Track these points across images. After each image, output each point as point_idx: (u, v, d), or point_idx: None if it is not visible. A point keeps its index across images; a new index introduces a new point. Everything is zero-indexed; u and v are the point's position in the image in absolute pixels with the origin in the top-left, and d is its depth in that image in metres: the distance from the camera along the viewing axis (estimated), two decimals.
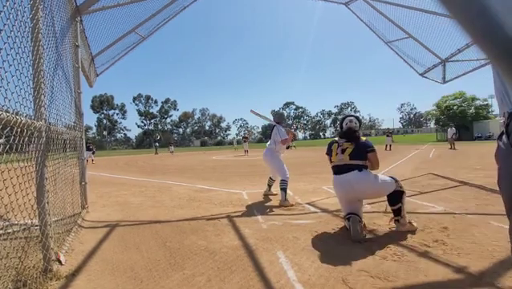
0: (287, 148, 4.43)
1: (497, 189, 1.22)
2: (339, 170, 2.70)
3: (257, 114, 4.41)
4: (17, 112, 1.60)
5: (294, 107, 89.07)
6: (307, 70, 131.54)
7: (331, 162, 2.81)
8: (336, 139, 2.90)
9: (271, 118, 4.51)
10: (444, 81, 6.16)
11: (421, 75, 6.53)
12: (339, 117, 3.19)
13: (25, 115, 1.77)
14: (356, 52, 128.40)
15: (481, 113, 30.91)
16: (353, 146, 2.69)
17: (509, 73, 0.22)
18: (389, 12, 5.46)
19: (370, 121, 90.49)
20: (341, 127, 2.93)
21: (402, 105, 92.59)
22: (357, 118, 2.93)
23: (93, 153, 16.50)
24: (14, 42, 1.56)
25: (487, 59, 0.23)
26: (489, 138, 26.69)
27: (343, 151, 2.71)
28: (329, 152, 2.85)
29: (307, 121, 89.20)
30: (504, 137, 1.15)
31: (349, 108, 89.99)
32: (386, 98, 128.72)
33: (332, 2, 5.95)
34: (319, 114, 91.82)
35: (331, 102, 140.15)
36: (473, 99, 31.72)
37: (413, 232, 2.58)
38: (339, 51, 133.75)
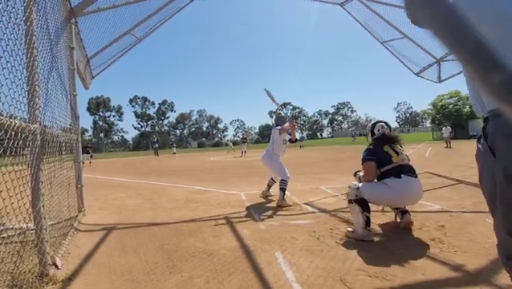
0: (295, 141, 4.44)
1: None
2: (407, 170, 2.51)
3: (269, 95, 4.41)
4: (11, 115, 1.58)
5: (291, 107, 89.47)
6: (304, 70, 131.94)
7: (390, 164, 2.52)
8: (372, 144, 2.72)
9: (279, 105, 4.55)
10: (440, 80, 6.22)
11: (417, 74, 6.58)
12: (369, 125, 3.01)
13: (19, 118, 1.75)
14: (352, 52, 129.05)
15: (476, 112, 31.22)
16: (402, 149, 2.62)
17: (478, 76, 0.22)
18: (384, 12, 5.50)
19: (367, 121, 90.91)
20: (372, 133, 2.81)
21: (398, 104, 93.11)
22: (386, 123, 2.84)
23: (91, 156, 16.35)
24: (7, 45, 1.55)
25: (457, 61, 0.23)
26: None
27: (401, 151, 2.60)
28: (381, 156, 2.56)
29: (304, 121, 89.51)
30: (482, 140, 1.21)
31: (346, 108, 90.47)
32: (382, 97, 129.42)
33: (328, 2, 5.97)
34: (316, 114, 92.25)
35: (328, 102, 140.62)
36: (468, 97, 31.99)
37: (410, 230, 2.61)
38: (336, 51, 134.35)
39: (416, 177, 2.53)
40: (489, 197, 1.21)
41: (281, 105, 4.53)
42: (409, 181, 2.46)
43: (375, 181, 2.59)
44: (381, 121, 2.86)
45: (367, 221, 2.43)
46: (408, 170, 2.52)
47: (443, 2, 0.21)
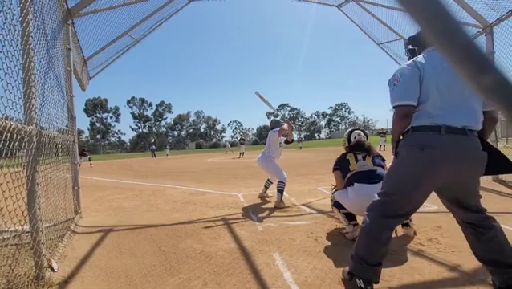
0: (291, 142, 4.41)
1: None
2: (365, 177, 2.46)
3: (261, 97, 4.30)
4: (6, 117, 1.57)
5: (288, 108, 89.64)
6: (302, 71, 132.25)
7: (348, 172, 2.58)
8: (343, 153, 2.80)
9: (273, 107, 4.47)
10: None
11: None
12: (346, 132, 3.10)
13: (15, 119, 1.73)
14: (350, 53, 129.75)
15: None
16: (371, 157, 2.63)
17: (469, 77, 0.22)
18: (380, 14, 5.54)
19: (364, 122, 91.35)
20: (349, 141, 2.85)
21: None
22: (363, 131, 2.88)
23: (89, 159, 16.52)
24: (2, 46, 1.53)
25: (449, 62, 0.24)
26: None
27: (363, 158, 2.61)
28: (343, 164, 2.66)
29: (302, 122, 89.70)
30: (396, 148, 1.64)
31: (343, 109, 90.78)
32: (379, 99, 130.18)
33: (325, 4, 6.01)
34: (314, 115, 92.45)
35: (326, 103, 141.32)
36: None
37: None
38: (334, 52, 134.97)
39: (377, 182, 2.38)
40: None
41: (276, 109, 4.51)
42: (362, 188, 2.40)
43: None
44: (358, 129, 2.92)
45: (348, 217, 2.56)
46: (365, 177, 2.46)
47: (432, 1, 0.22)
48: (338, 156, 2.82)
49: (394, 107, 1.57)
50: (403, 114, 1.54)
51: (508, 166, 1.53)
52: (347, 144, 2.87)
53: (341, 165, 2.70)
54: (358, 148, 2.70)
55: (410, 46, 1.80)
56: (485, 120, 1.53)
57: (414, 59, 1.58)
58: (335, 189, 2.83)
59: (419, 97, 1.51)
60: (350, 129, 2.96)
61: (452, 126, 1.44)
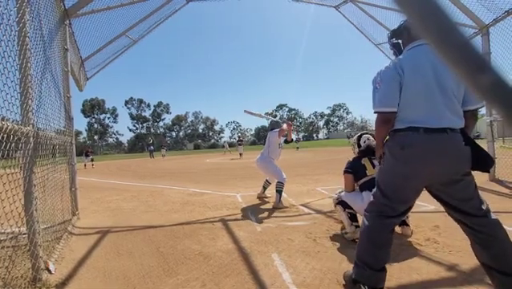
0: (290, 141, 4.44)
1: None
2: None
3: (251, 113, 4.44)
4: (3, 118, 1.56)
5: (287, 109, 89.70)
6: (300, 71, 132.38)
7: (364, 177, 2.58)
8: (356, 156, 2.78)
9: (266, 116, 4.57)
10: None
11: None
12: (355, 137, 3.07)
13: (11, 120, 1.72)
14: (348, 54, 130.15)
15: None
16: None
17: (466, 77, 0.22)
18: (378, 15, 5.56)
19: (362, 122, 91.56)
20: (358, 145, 2.82)
21: None
22: (372, 135, 2.85)
23: (92, 160, 16.75)
24: None
25: (445, 62, 0.24)
26: (477, 138, 27.32)
27: (379, 163, 2.63)
28: (357, 168, 2.63)
29: (300, 123, 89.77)
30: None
31: (341, 110, 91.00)
32: None
33: (323, 5, 6.03)
34: (312, 116, 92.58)
35: (324, 103, 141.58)
36: None
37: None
38: (332, 53, 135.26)
39: None
40: None
41: (267, 113, 4.58)
42: None
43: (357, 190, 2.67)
44: (367, 133, 2.91)
45: (351, 217, 2.56)
46: None
47: (429, 2, 0.22)
48: (350, 159, 2.80)
49: (375, 113, 1.61)
50: (384, 120, 1.59)
51: (488, 162, 1.51)
52: (356, 149, 2.85)
53: (354, 170, 2.67)
54: (369, 152, 2.68)
55: (394, 40, 1.79)
56: (467, 118, 1.52)
57: (396, 60, 1.59)
58: (342, 190, 2.84)
59: (399, 103, 1.52)
60: (359, 134, 2.95)
61: (431, 127, 1.45)
